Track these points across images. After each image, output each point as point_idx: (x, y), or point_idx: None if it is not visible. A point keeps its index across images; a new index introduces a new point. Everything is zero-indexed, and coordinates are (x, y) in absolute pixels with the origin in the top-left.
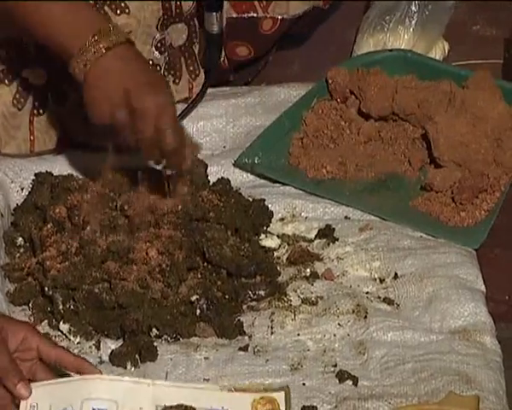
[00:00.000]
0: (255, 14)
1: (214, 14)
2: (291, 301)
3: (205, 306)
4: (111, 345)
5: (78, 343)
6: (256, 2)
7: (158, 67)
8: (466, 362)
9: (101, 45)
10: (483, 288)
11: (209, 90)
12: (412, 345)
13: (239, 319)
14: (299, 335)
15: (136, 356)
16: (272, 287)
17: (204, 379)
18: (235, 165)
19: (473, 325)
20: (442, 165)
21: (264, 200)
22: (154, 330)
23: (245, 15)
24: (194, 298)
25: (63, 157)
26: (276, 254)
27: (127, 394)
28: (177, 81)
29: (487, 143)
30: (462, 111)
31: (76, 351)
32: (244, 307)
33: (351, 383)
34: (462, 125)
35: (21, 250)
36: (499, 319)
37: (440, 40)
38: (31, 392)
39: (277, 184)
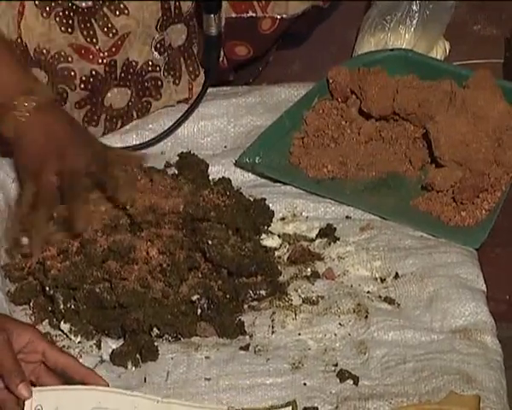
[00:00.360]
0: (254, 14)
1: (212, 16)
2: (292, 300)
3: (206, 305)
4: (112, 344)
5: (78, 343)
6: (255, 2)
7: (157, 68)
8: (467, 361)
9: (28, 104)
10: (484, 287)
11: (210, 90)
12: (413, 344)
13: (240, 319)
14: (299, 334)
15: (137, 356)
16: (273, 286)
17: (205, 378)
18: (236, 164)
19: (473, 324)
20: (443, 164)
21: (265, 199)
22: (154, 329)
23: (244, 15)
24: (194, 298)
25: None
26: (276, 253)
27: (136, 408)
28: (176, 82)
29: (488, 142)
30: (463, 111)
31: (77, 350)
32: (245, 306)
33: (351, 382)
34: (463, 124)
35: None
36: (500, 319)
37: (441, 40)
38: (31, 393)
39: (278, 184)
